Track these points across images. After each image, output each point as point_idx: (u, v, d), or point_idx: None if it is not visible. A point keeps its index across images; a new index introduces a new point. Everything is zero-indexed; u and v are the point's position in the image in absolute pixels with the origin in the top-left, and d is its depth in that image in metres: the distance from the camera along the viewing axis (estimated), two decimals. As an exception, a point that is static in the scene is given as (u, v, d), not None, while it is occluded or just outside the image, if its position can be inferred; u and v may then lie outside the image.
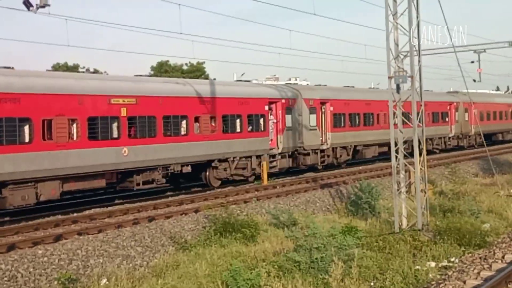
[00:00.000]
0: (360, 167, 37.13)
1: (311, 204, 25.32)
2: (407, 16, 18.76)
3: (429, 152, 41.69)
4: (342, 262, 14.23)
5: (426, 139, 43.91)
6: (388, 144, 42.07)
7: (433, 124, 46.92)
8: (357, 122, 38.97)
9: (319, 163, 35.68)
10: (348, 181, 29.53)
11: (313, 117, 34.98)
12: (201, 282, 14.48)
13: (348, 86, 43.32)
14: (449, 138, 50.61)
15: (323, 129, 35.87)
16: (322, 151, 35.71)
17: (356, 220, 21.68)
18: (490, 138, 57.24)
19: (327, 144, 35.92)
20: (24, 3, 17.45)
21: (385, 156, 42.44)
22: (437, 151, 47.83)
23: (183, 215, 21.49)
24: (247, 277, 13.38)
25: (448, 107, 50.50)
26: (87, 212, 22.37)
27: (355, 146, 38.76)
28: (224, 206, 21.00)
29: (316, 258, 14.58)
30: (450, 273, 14.84)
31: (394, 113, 19.37)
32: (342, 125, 37.41)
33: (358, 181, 25.82)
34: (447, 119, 50.31)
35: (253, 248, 17.57)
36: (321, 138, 35.50)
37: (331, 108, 36.37)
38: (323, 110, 35.99)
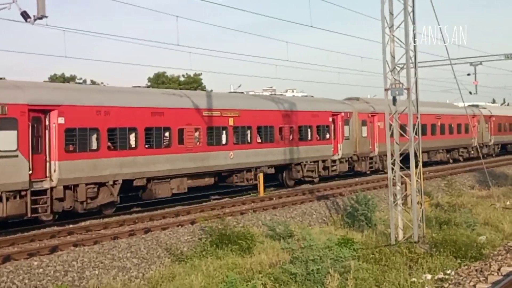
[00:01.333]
0: (357, 179, 37.02)
1: (307, 216, 25.31)
2: (404, 29, 18.86)
3: (299, 182, 34.44)
4: (338, 274, 14.21)
5: (293, 165, 33.14)
6: (210, 174, 27.99)
7: (301, 143, 33.68)
8: (130, 143, 24.51)
9: (29, 213, 20.95)
10: (345, 193, 29.53)
11: (3, 134, 20.22)
12: (197, 294, 14.45)
13: (138, 87, 29.67)
14: (333, 161, 36.20)
15: (46, 155, 21.64)
16: (39, 192, 21.25)
17: (352, 232, 21.66)
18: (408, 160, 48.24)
19: (51, 180, 21.62)
20: (22, 14, 17.50)
21: (199, 193, 30.57)
22: (314, 179, 34.95)
23: (179, 226, 21.47)
24: (243, 289, 13.35)
25: (331, 119, 36.29)
26: (83, 223, 22.35)
27: (128, 181, 24.45)
28: (220, 217, 20.98)
29: (312, 270, 14.57)
30: (446, 286, 14.86)
31: (390, 125, 19.40)
32: (92, 147, 23.05)
33: (355, 193, 25.82)
34: (327, 136, 36.04)
35: (249, 260, 17.55)
36: (29, 172, 20.77)
37: (61, 120, 22.08)
38: (46, 123, 21.87)
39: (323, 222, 24.90)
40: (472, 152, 52.80)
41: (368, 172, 39.71)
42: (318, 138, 35.15)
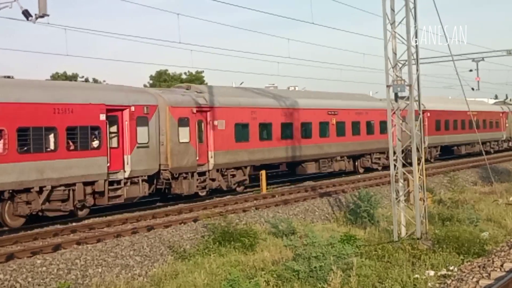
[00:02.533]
0: (359, 176, 37.02)
1: (310, 213, 25.32)
2: (405, 25, 18.84)
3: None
4: (341, 271, 14.24)
5: (11, 194, 20.04)
6: None
7: (28, 157, 20.89)
8: None
9: None
10: (347, 190, 29.53)
11: None
12: (200, 292, 14.47)
13: None
14: (116, 182, 24.07)
15: None
16: None
17: (355, 229, 21.69)
18: (294, 169, 35.31)
19: None
20: (23, 13, 17.54)
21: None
22: (77, 213, 22.89)
23: (182, 224, 21.49)
24: (245, 286, 13.37)
25: (106, 117, 23.49)
26: (86, 221, 22.35)
27: None
28: (223, 215, 21.00)
29: (315, 267, 14.59)
30: (449, 282, 14.85)
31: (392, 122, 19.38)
32: None
33: (357, 189, 25.83)
34: (96, 143, 23.25)
35: (252, 257, 17.57)
36: None
37: None
38: None
39: (325, 219, 24.91)
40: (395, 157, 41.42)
41: (202, 195, 28.27)
42: (71, 147, 22.41)
